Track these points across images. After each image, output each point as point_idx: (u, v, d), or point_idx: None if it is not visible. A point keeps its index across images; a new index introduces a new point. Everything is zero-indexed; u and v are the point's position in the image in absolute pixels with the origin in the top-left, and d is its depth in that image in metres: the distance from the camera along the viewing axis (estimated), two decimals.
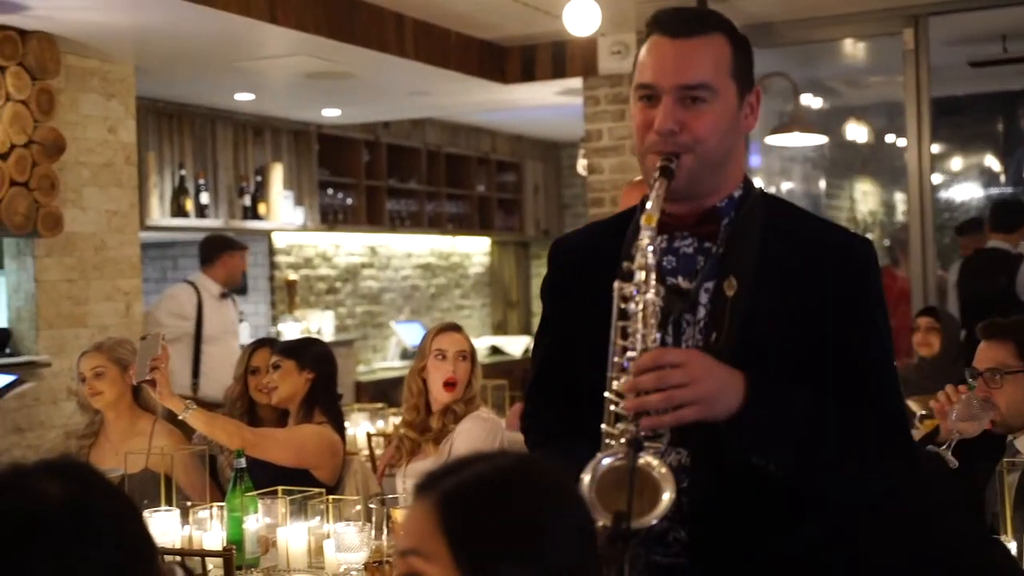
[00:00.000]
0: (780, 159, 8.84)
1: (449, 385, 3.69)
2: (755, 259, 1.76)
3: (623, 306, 1.68)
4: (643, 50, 1.80)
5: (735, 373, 1.66)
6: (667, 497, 1.56)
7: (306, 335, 4.56)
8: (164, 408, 3.70)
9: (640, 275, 1.68)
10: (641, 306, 1.67)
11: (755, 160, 7.88)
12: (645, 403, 1.61)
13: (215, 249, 6.29)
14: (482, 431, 3.67)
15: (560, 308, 1.93)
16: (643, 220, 1.69)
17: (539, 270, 11.51)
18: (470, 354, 3.76)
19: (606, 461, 1.59)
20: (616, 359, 1.67)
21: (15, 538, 1.22)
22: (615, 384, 1.66)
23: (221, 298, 6.25)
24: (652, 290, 1.67)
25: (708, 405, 1.63)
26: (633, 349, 1.66)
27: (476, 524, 1.21)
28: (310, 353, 3.89)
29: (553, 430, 1.88)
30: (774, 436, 1.68)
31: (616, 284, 1.69)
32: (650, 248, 1.67)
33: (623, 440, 1.63)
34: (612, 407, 1.66)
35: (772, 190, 7.40)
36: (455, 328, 3.79)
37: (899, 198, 10.28)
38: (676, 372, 1.62)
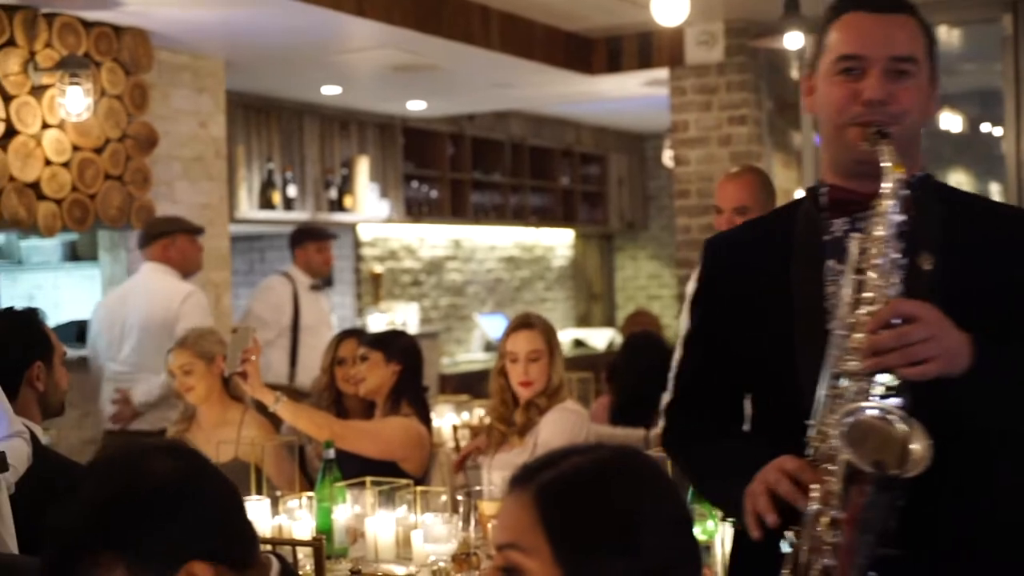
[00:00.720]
0: None
1: (525, 384, 3.67)
2: (941, 236, 1.77)
3: (859, 263, 1.68)
4: (837, 26, 1.80)
5: (960, 330, 1.66)
6: (920, 447, 1.56)
7: (392, 327, 4.58)
8: (254, 399, 3.75)
9: (880, 230, 1.68)
10: (879, 260, 1.67)
11: None
12: (885, 362, 1.61)
13: (300, 238, 6.29)
14: (567, 422, 3.64)
15: (724, 308, 1.89)
16: (890, 170, 1.69)
17: (623, 263, 11.46)
18: (544, 352, 3.67)
19: (851, 418, 1.60)
20: (847, 319, 1.67)
21: (127, 514, 1.33)
22: (846, 343, 1.66)
23: (312, 290, 6.29)
24: (890, 248, 1.68)
25: (949, 360, 1.63)
26: (866, 305, 1.66)
27: (576, 517, 1.21)
28: (397, 345, 3.92)
29: (711, 439, 1.87)
30: (1006, 393, 1.70)
31: (855, 238, 1.70)
32: (892, 204, 1.69)
33: (867, 400, 1.62)
34: (845, 363, 1.65)
35: None
36: (527, 325, 3.71)
37: (994, 188, 10.02)
38: (916, 327, 1.61)
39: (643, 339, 5.13)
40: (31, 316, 3.20)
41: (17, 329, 3.15)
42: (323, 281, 6.45)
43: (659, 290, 11.19)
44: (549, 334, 3.73)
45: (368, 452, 3.68)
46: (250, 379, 3.54)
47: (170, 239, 5.18)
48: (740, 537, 1.88)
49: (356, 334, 4.33)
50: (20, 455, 2.76)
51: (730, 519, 1.89)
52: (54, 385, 3.16)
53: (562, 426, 3.63)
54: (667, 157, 7.33)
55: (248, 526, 1.43)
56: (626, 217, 11.06)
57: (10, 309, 3.25)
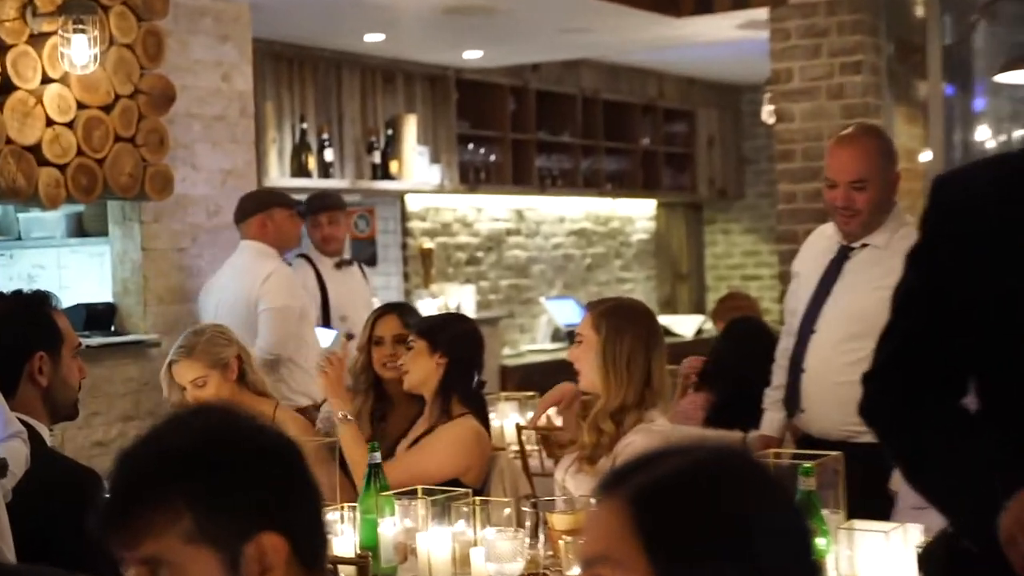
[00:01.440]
0: (1011, 101, 8.51)
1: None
2: None
3: None
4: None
5: None
6: None
7: (447, 312, 4.55)
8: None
9: None
10: None
11: (979, 103, 7.60)
12: None
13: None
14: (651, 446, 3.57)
15: (962, 262, 1.88)
16: None
17: (713, 236, 11.38)
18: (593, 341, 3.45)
19: None
20: None
21: (213, 460, 1.47)
22: None
23: (337, 268, 6.27)
24: None
25: None
26: None
27: (675, 523, 1.21)
28: (445, 334, 3.89)
29: (933, 421, 1.88)
30: None
31: None
32: None
33: None
34: None
35: (1002, 139, 7.13)
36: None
37: None
38: None
39: (746, 326, 5.08)
40: (37, 300, 3.20)
41: (17, 314, 3.16)
42: (351, 258, 6.46)
43: (756, 269, 11.10)
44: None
45: (432, 482, 3.64)
46: (327, 384, 3.74)
47: (266, 215, 5.57)
48: (958, 547, 1.90)
49: (397, 310, 4.30)
50: (18, 458, 2.78)
51: (961, 533, 1.90)
52: (61, 381, 3.15)
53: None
54: (767, 112, 7.25)
55: (325, 528, 1.56)
56: (717, 184, 10.97)
57: (17, 292, 3.26)
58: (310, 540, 1.50)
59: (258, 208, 5.58)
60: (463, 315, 4.40)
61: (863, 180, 3.62)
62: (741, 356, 4.70)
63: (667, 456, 1.27)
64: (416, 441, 3.85)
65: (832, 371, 3.67)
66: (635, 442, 3.31)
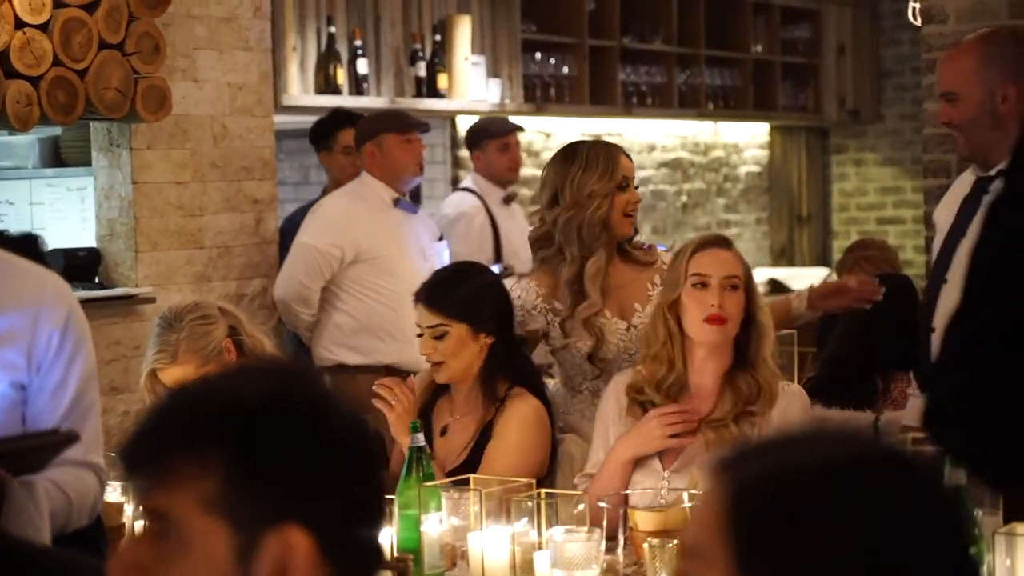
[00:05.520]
0: None
1: (716, 320, 3.61)
2: None
3: None
4: None
5: None
6: None
7: (453, 269, 4.43)
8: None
9: None
10: None
11: None
12: None
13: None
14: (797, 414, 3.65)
15: None
16: None
17: (843, 170, 11.29)
18: (743, 284, 3.68)
19: None
20: None
21: (268, 423, 1.52)
22: None
23: (506, 203, 7.13)
24: None
25: None
26: None
27: (775, 525, 1.24)
28: (487, 307, 3.94)
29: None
30: None
31: None
32: None
33: None
34: None
35: None
36: (722, 244, 3.74)
37: None
38: None
39: (895, 283, 5.04)
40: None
41: None
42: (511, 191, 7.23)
43: (896, 211, 11.01)
44: (748, 268, 3.74)
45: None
46: (395, 414, 3.82)
47: (375, 143, 5.91)
48: None
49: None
50: (82, 497, 2.84)
51: None
52: None
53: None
54: (913, 11, 7.16)
55: (375, 545, 1.60)
56: (849, 103, 10.89)
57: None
58: (349, 553, 1.52)
59: (366, 136, 5.91)
60: (480, 267, 4.35)
61: (952, 93, 3.92)
62: (887, 321, 4.67)
63: (791, 444, 1.31)
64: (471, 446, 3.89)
65: None
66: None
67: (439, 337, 3.89)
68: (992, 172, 3.84)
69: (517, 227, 6.81)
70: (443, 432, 4.00)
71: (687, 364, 3.65)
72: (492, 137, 7.10)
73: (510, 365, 3.95)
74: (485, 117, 7.76)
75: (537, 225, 4.25)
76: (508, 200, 7.12)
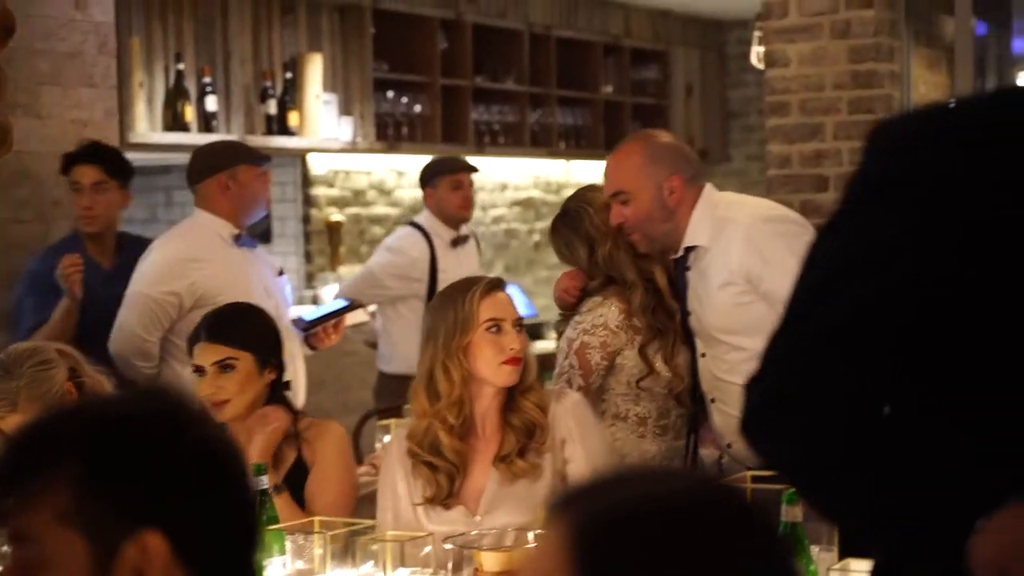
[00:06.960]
0: None
1: (514, 362, 3.66)
2: None
3: None
4: None
5: None
6: None
7: (230, 306, 4.34)
8: None
9: None
10: None
11: (1019, 45, 7.71)
12: None
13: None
14: (588, 415, 3.76)
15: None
16: None
17: None
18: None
19: None
20: None
21: (127, 436, 1.58)
22: None
23: (453, 245, 6.94)
24: None
25: None
26: None
27: (616, 566, 1.25)
28: (269, 339, 4.00)
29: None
30: None
31: None
32: None
33: None
34: None
35: None
36: (503, 286, 3.79)
37: None
38: None
39: None
40: None
41: None
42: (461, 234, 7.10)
43: None
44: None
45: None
46: (266, 442, 3.84)
47: (229, 174, 5.43)
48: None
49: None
50: None
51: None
52: None
53: (590, 422, 3.74)
54: (756, 56, 7.29)
55: (249, 547, 1.65)
56: (697, 142, 11.00)
57: None
58: (211, 561, 1.57)
59: (217, 167, 5.43)
60: (254, 305, 4.35)
61: (624, 192, 4.03)
62: None
63: (631, 480, 1.33)
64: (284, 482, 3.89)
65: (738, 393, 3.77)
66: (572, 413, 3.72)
67: (225, 370, 3.89)
68: (681, 253, 4.07)
69: (464, 269, 6.57)
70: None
71: (474, 405, 3.70)
72: (445, 173, 7.03)
73: (281, 395, 4.02)
74: (439, 156, 7.64)
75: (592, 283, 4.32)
76: (457, 243, 7.02)
